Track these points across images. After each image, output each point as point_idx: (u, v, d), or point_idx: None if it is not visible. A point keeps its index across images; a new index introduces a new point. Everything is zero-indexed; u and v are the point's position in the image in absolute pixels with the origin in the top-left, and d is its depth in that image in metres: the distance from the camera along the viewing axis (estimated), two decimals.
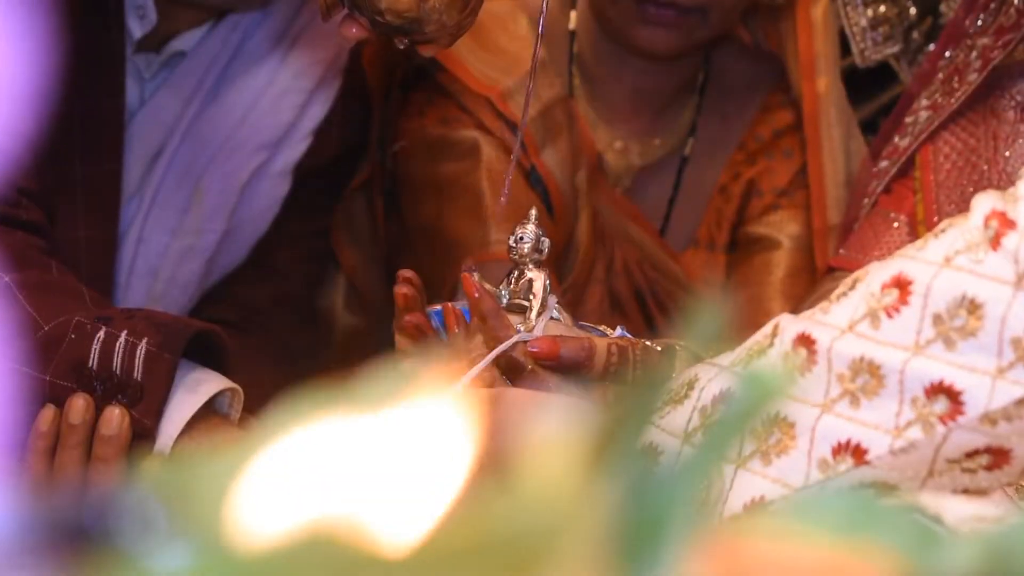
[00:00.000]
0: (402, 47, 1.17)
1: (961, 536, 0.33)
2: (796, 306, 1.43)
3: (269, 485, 0.29)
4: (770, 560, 0.30)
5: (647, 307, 1.69)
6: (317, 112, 1.62)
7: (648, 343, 1.11)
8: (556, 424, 0.32)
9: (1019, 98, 1.34)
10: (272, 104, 1.59)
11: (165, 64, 1.57)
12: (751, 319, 1.59)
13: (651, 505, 0.30)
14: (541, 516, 0.29)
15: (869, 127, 1.77)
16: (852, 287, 0.85)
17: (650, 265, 1.71)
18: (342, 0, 1.13)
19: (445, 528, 0.29)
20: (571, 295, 1.65)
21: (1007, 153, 1.31)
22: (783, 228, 1.70)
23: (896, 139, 1.44)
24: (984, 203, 0.82)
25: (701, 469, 0.32)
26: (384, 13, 1.11)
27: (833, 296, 0.86)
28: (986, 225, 0.80)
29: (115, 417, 1.19)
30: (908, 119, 1.43)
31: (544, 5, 1.19)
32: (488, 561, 0.28)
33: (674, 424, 0.89)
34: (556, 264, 1.62)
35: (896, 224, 1.39)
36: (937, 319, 0.79)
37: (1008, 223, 0.79)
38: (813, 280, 1.60)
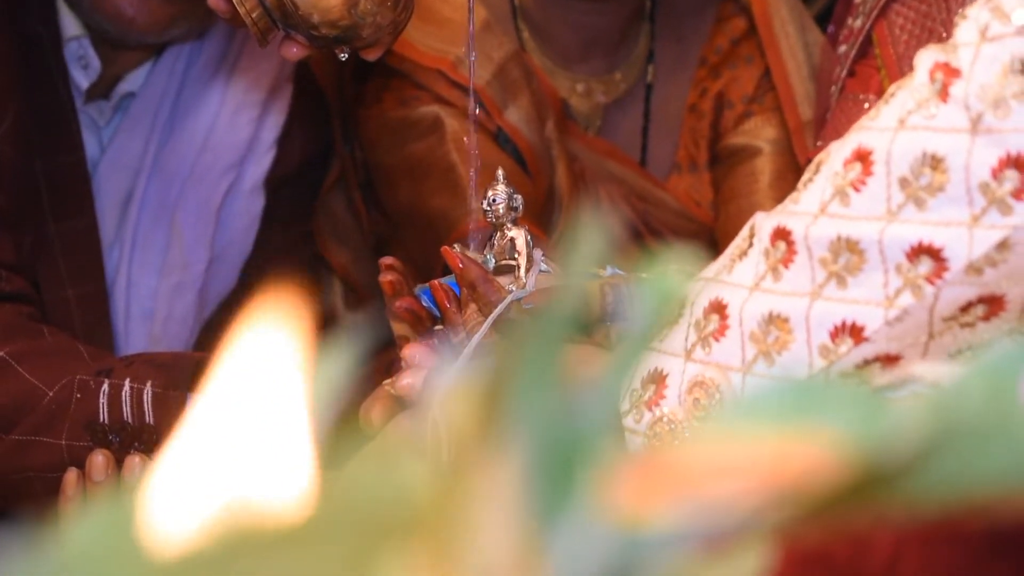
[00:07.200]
0: (344, 57, 1.16)
1: (907, 400, 0.32)
2: None
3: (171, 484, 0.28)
4: (695, 464, 0.29)
5: (642, 238, 1.68)
6: (275, 121, 1.61)
7: (641, 275, 1.10)
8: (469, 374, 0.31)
9: None
10: (229, 123, 1.58)
11: (117, 108, 1.57)
12: None
13: (564, 439, 0.29)
14: (435, 476, 0.28)
15: (826, 20, 1.75)
16: (817, 171, 0.84)
17: (636, 197, 1.69)
18: (275, 23, 1.11)
19: (339, 490, 0.28)
20: (564, 245, 1.63)
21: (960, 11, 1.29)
22: (760, 134, 1.68)
23: (849, 21, 1.42)
24: (926, 58, 0.81)
25: (612, 394, 0.31)
26: (319, 27, 1.10)
27: (800, 184, 0.85)
28: (932, 79, 0.79)
29: (136, 466, 1.19)
30: None
31: None
32: (380, 522, 0.28)
33: (674, 345, 0.89)
34: (542, 217, 1.61)
35: (866, 104, 1.37)
36: (903, 182, 0.78)
37: (953, 72, 0.78)
38: (799, 179, 1.58)
